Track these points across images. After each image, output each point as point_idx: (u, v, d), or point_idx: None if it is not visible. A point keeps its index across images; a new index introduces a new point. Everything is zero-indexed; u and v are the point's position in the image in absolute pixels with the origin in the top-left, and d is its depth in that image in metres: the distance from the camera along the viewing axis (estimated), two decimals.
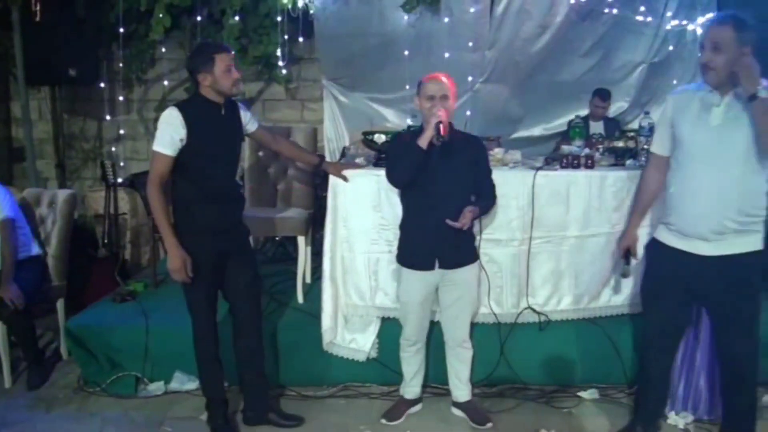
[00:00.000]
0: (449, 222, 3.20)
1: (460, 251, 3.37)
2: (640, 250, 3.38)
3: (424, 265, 3.35)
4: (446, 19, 5.57)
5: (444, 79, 3.31)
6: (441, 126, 3.15)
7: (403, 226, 3.46)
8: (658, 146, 3.13)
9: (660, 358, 3.26)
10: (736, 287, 2.90)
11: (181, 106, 3.10)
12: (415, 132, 3.35)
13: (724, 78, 2.78)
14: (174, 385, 3.88)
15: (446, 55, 5.70)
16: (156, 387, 3.88)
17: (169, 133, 3.04)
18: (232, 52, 3.19)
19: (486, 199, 3.46)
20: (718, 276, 2.90)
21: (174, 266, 3.10)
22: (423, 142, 3.16)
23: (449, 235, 3.25)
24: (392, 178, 3.35)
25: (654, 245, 3.16)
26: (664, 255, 3.05)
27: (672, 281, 3.04)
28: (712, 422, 3.45)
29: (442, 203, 3.25)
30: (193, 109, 3.11)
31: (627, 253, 3.40)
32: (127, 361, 3.91)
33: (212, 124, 3.15)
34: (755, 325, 2.97)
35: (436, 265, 3.34)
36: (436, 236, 3.28)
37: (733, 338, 3.00)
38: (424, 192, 3.29)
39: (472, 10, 5.51)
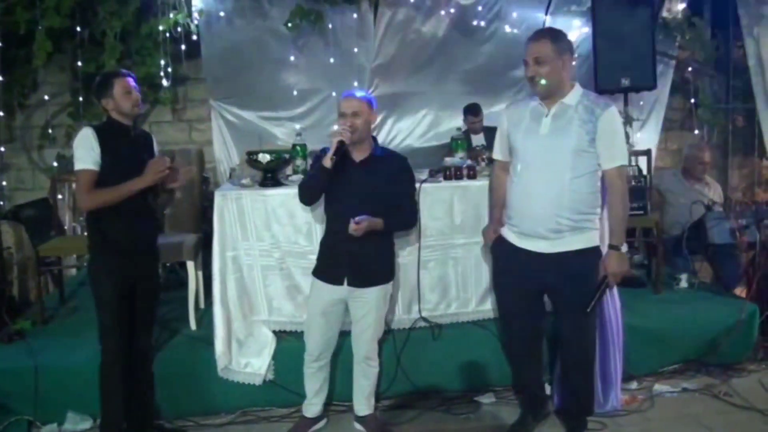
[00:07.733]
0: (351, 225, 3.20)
1: (371, 271, 3.36)
2: None
3: (333, 279, 3.37)
4: (331, 35, 5.64)
5: (358, 94, 3.36)
6: (341, 145, 3.19)
7: (322, 240, 3.51)
8: (499, 153, 3.38)
9: (522, 345, 3.44)
10: (574, 281, 3.13)
11: (94, 126, 3.26)
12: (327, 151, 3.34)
13: (553, 88, 3.03)
14: (68, 426, 3.72)
15: (332, 69, 5.75)
16: (49, 430, 3.72)
17: (87, 150, 3.16)
18: (130, 77, 3.31)
19: (398, 215, 3.43)
20: (557, 271, 3.12)
21: (151, 174, 3.23)
22: (327, 161, 3.21)
23: (361, 253, 3.27)
24: (299, 197, 3.42)
25: (501, 243, 3.34)
26: (510, 253, 3.26)
27: (520, 276, 3.24)
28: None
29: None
30: (104, 130, 3.25)
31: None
32: (18, 404, 3.71)
33: (123, 144, 3.27)
34: (592, 315, 3.23)
35: (345, 281, 3.35)
36: (347, 253, 3.30)
37: (573, 327, 3.26)
38: (339, 208, 3.34)
39: (355, 24, 5.59)
